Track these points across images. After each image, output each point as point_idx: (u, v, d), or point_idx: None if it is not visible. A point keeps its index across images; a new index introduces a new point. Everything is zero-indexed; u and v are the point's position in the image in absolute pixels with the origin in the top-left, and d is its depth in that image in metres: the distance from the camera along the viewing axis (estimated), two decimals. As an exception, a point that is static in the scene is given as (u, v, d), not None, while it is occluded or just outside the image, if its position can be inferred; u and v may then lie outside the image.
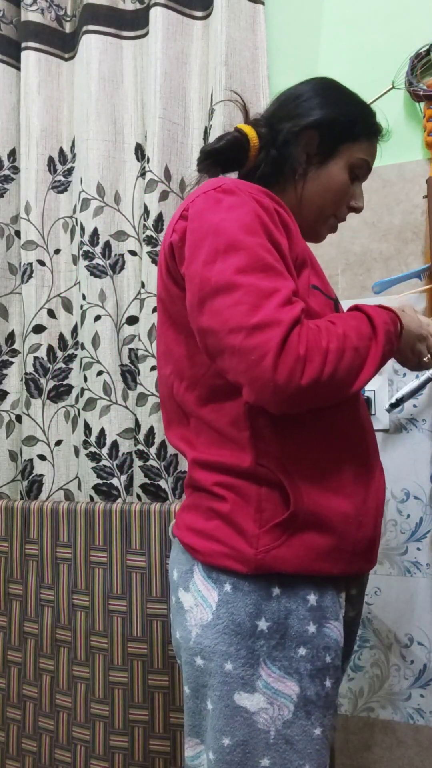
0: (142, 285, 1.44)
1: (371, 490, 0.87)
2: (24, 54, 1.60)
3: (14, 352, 1.63)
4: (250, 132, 0.93)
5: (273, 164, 0.92)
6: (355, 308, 0.86)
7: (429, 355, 0.93)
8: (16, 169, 1.65)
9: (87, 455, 1.47)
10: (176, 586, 0.87)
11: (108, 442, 1.46)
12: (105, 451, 1.46)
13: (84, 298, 1.50)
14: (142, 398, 1.42)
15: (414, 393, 1.35)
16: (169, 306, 0.89)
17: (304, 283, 0.84)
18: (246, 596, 0.80)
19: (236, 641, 0.79)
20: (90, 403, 1.47)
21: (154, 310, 1.42)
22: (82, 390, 1.49)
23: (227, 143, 0.92)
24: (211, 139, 1.41)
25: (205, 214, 0.81)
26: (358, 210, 0.98)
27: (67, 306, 1.59)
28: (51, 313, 1.57)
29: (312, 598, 0.81)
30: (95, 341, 1.47)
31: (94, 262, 1.49)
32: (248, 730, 0.78)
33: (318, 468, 0.82)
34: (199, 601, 0.83)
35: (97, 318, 1.48)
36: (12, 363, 1.63)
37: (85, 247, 1.49)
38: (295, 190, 0.93)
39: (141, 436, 1.41)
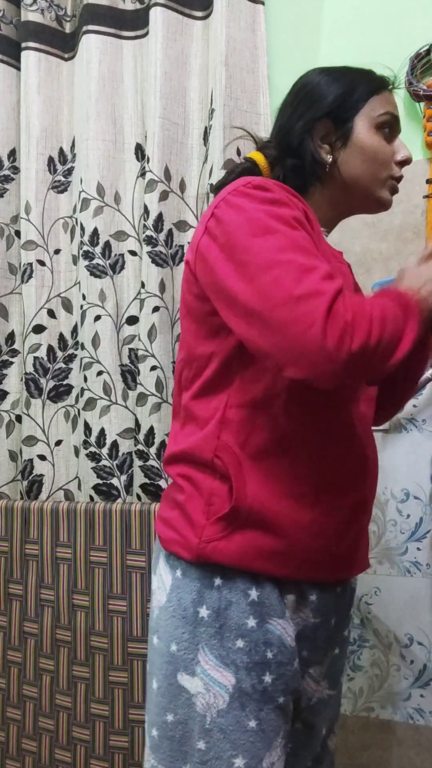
0: (142, 285, 1.44)
1: (342, 504, 0.86)
2: (24, 54, 1.60)
3: (14, 352, 1.63)
4: (257, 156, 0.95)
5: (294, 171, 0.94)
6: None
7: None
8: (16, 169, 1.65)
9: (87, 455, 1.47)
10: (152, 571, 0.92)
11: (108, 442, 1.46)
12: (105, 451, 1.46)
13: (84, 298, 1.50)
14: (142, 398, 1.42)
15: (414, 393, 1.35)
16: (186, 294, 0.92)
17: None
18: (192, 583, 0.83)
19: (181, 624, 0.83)
20: (90, 403, 1.47)
21: (154, 310, 1.42)
22: (82, 390, 1.49)
23: (237, 176, 0.93)
24: (210, 139, 1.41)
25: (237, 206, 0.82)
26: (407, 161, 0.96)
27: (67, 306, 1.59)
28: (51, 313, 1.57)
29: (253, 593, 0.82)
30: (95, 341, 1.47)
31: (94, 262, 1.49)
32: (188, 710, 0.81)
33: (275, 471, 0.83)
34: (160, 584, 0.88)
35: (97, 318, 1.48)
36: (12, 363, 1.63)
37: (85, 247, 1.49)
38: (334, 179, 0.94)
39: (141, 436, 1.41)
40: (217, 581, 0.82)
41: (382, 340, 0.74)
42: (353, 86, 0.94)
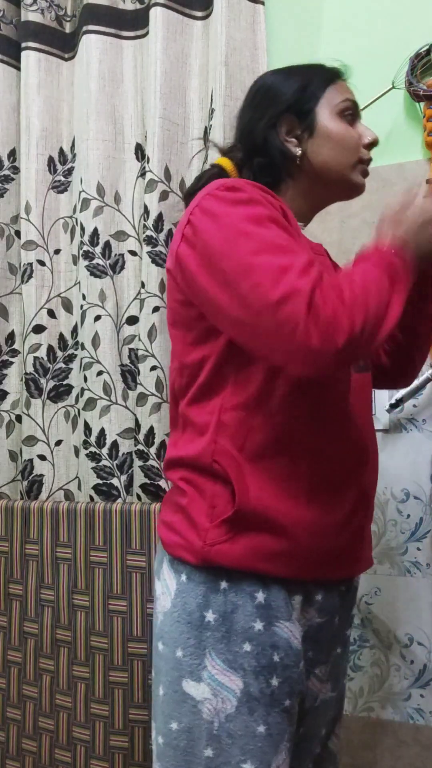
0: (142, 285, 1.44)
1: (342, 502, 0.86)
2: (24, 54, 1.59)
3: (14, 352, 1.63)
4: (224, 162, 0.96)
5: (263, 169, 0.94)
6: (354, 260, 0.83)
7: None
8: (16, 169, 1.65)
9: (87, 455, 1.47)
10: (155, 576, 0.91)
11: (108, 442, 1.46)
12: (105, 451, 1.46)
13: (84, 298, 1.50)
14: (142, 398, 1.42)
15: (414, 393, 1.35)
16: (171, 303, 0.92)
17: None
18: (197, 587, 0.83)
19: (187, 630, 0.82)
20: (90, 403, 1.47)
21: (154, 310, 1.42)
22: (82, 390, 1.49)
23: (206, 182, 0.93)
24: (211, 139, 1.41)
25: (211, 212, 0.82)
26: (374, 142, 0.96)
27: (67, 306, 1.59)
28: (51, 313, 1.57)
29: (260, 596, 0.82)
30: (95, 341, 1.47)
31: (94, 262, 1.49)
32: (193, 717, 0.81)
33: (275, 471, 0.83)
34: (164, 590, 0.87)
35: (97, 318, 1.48)
36: (12, 363, 1.63)
37: (85, 247, 1.49)
38: (305, 171, 0.95)
39: (141, 436, 1.41)
40: (223, 584, 0.82)
41: (367, 322, 0.74)
42: (308, 79, 0.96)
